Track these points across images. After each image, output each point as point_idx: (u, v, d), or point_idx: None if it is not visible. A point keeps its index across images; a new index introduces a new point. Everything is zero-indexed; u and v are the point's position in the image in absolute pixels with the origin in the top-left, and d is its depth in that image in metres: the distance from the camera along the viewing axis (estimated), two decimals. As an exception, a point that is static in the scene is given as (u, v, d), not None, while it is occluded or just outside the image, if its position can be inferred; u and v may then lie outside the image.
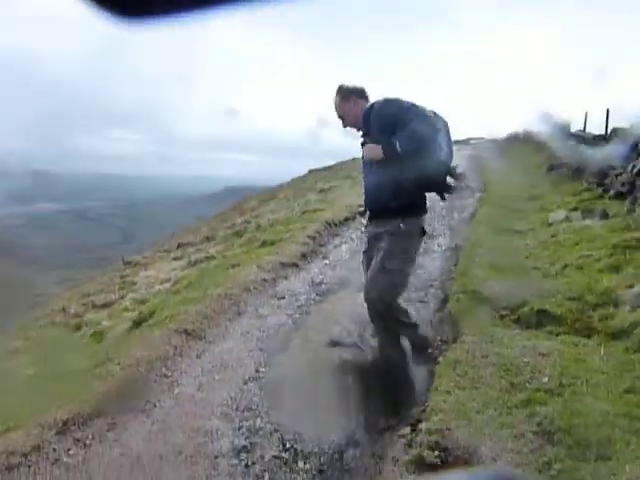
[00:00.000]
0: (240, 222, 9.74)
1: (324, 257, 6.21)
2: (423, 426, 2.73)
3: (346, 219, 7.67)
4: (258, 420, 2.95)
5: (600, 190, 8.18)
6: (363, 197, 3.33)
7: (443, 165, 2.98)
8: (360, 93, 3.14)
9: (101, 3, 0.67)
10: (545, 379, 3.05)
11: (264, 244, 6.80)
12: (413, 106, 2.88)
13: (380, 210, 3.09)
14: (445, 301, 4.43)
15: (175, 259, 8.04)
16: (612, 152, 8.29)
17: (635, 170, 6.88)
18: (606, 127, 10.62)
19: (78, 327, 5.89)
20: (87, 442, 2.75)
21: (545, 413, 2.67)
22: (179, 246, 9.14)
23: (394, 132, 2.83)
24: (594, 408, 2.68)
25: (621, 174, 7.54)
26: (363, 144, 3.10)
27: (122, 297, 6.60)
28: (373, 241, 3.16)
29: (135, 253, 11.48)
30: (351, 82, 3.19)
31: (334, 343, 3.56)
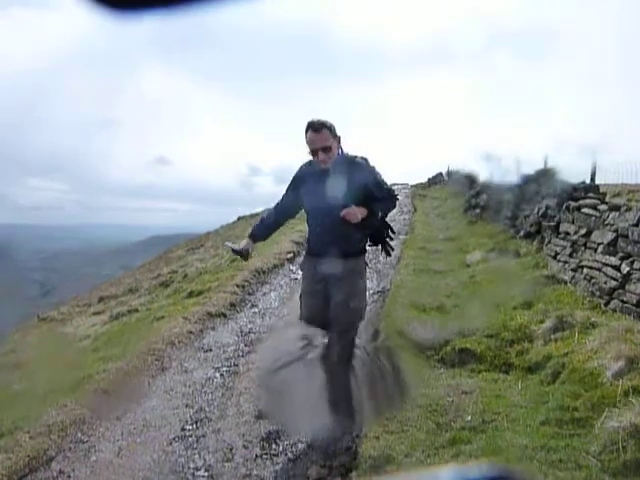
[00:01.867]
0: (166, 272, 9.47)
1: (253, 305, 6.14)
2: (353, 475, 2.71)
3: (275, 266, 7.68)
4: (184, 483, 2.80)
5: (512, 231, 8.77)
6: (314, 237, 3.21)
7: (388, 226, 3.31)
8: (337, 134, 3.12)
9: None
10: (468, 417, 3.15)
11: (191, 294, 6.63)
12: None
13: (336, 252, 3.05)
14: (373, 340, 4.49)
15: (95, 314, 7.63)
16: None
17: (540, 212, 7.45)
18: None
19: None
20: (-11, 525, 2.49)
21: (470, 451, 2.74)
22: (100, 300, 8.71)
23: (373, 196, 3.01)
24: (514, 443, 2.79)
25: (529, 216, 8.14)
26: (309, 175, 3.10)
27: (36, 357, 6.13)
28: (322, 279, 3.15)
29: (53, 308, 10.80)
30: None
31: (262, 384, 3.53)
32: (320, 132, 2.96)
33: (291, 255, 8.45)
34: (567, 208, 6.36)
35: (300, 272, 3.37)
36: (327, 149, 2.99)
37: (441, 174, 23.19)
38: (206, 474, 2.86)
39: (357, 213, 2.93)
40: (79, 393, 3.71)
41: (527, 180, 9.16)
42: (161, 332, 4.97)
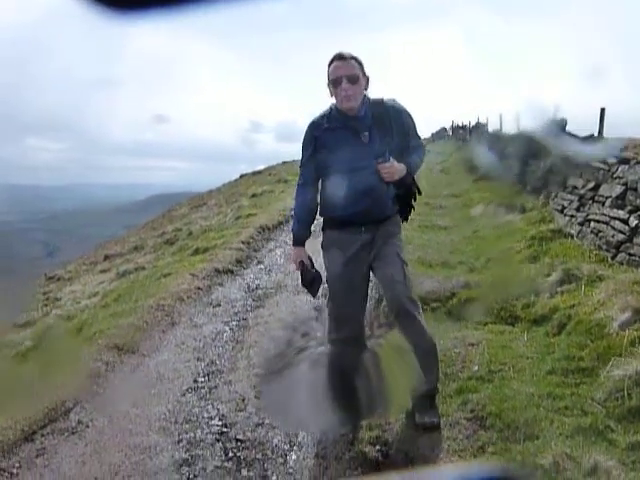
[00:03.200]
0: (171, 230, 9.49)
1: (259, 262, 6.17)
2: (363, 422, 2.78)
3: (279, 223, 7.68)
4: (199, 431, 2.88)
5: (519, 186, 8.71)
6: (345, 203, 2.56)
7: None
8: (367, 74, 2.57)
9: None
10: (475, 367, 3.21)
11: (197, 252, 6.66)
12: None
13: (376, 216, 2.62)
14: (380, 300, 4.53)
15: (102, 271, 7.70)
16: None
17: (547, 167, 7.37)
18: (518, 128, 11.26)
19: (-3, 350, 5.49)
20: (14, 471, 2.58)
21: (477, 400, 2.80)
22: (106, 258, 8.76)
23: (409, 146, 2.60)
24: (521, 391, 2.85)
25: (536, 171, 8.06)
26: (328, 129, 2.57)
27: (46, 315, 6.23)
28: (363, 250, 2.63)
29: (59, 268, 10.88)
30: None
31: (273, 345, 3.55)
32: (347, 61, 2.46)
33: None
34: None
35: (324, 253, 2.73)
36: (354, 79, 2.44)
37: (445, 129, 22.87)
38: (220, 423, 2.94)
39: (396, 169, 2.48)
40: (93, 348, 3.78)
41: (534, 134, 9.02)
42: (169, 288, 5.02)
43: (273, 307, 4.68)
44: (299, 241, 2.79)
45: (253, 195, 11.03)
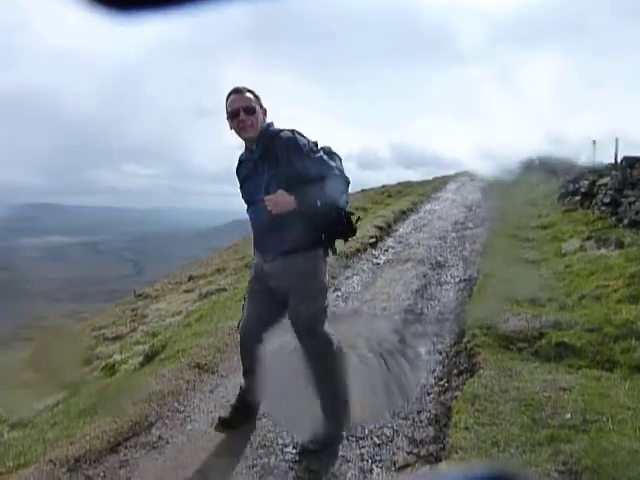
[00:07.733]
0: (251, 254, 9.75)
1: (336, 289, 6.16)
2: (442, 465, 2.64)
3: (357, 250, 7.65)
4: (273, 457, 2.87)
5: (613, 219, 8.13)
6: (254, 231, 2.85)
7: (343, 211, 2.67)
8: (263, 106, 2.68)
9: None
10: (568, 415, 2.96)
11: (276, 275, 6.77)
12: (318, 147, 2.60)
13: (276, 248, 2.69)
14: (461, 335, 4.34)
15: (186, 291, 8.02)
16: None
17: (649, 199, 6.83)
18: (615, 156, 10.59)
19: (89, 361, 5.84)
20: (99, 480, 2.69)
21: (570, 451, 2.57)
22: (190, 278, 9.14)
23: (308, 177, 2.51)
24: (622, 446, 2.58)
25: (635, 202, 7.49)
26: (242, 162, 2.76)
27: (133, 330, 6.57)
28: (265, 279, 2.82)
29: (146, 286, 11.50)
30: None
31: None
32: (243, 93, 2.59)
33: (373, 240, 8.41)
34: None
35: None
36: (250, 110, 2.55)
37: (532, 159, 21.98)
38: (294, 451, 2.91)
39: (279, 201, 2.47)
40: (175, 365, 3.91)
41: (632, 163, 8.44)
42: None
43: (347, 331, 4.62)
44: None
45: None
